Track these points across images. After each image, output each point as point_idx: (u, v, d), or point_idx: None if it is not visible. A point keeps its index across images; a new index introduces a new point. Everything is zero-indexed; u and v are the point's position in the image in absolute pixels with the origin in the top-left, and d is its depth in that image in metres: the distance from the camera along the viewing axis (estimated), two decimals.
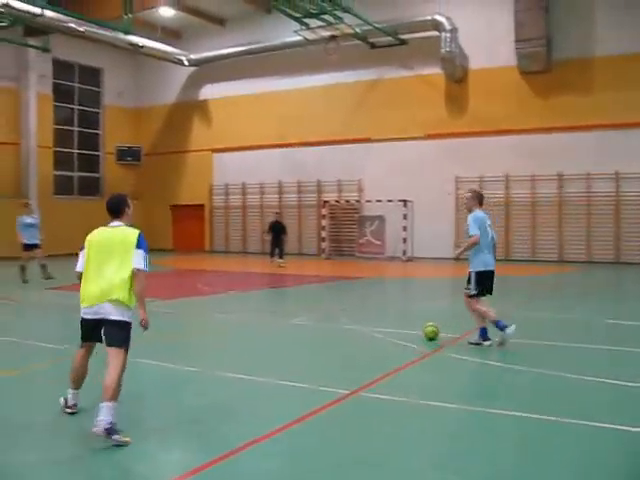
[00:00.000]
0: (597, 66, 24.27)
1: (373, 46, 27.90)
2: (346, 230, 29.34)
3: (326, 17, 23.91)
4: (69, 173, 33.46)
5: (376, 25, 25.78)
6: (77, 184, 33.79)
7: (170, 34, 32.72)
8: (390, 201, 26.88)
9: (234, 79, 32.31)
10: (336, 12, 23.63)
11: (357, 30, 25.70)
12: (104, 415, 5.50)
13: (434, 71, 27.03)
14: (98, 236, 6.20)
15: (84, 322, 6.09)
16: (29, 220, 18.83)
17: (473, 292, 9.59)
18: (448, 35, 25.66)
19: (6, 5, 22.77)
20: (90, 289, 6.01)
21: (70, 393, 6.31)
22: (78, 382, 6.31)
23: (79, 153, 33.95)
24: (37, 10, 23.79)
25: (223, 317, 12.88)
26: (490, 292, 9.80)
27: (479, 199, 9.85)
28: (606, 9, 24.14)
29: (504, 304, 14.78)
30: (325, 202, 29.24)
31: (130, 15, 25.62)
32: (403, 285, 20.44)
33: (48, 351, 9.41)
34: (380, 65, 28.29)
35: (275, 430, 5.80)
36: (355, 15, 24.33)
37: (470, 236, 9.49)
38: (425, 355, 8.91)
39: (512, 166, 25.69)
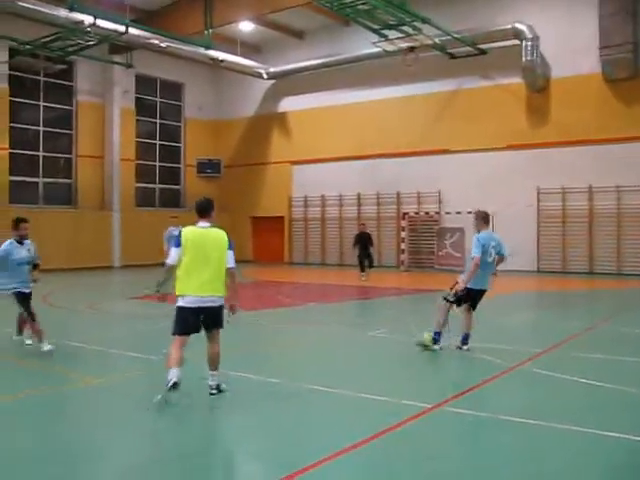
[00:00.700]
0: None
1: (452, 56, 27.65)
2: (425, 242, 29.06)
3: (404, 28, 23.81)
4: (151, 185, 34.19)
5: (455, 35, 25.56)
6: (159, 196, 34.50)
7: (249, 48, 33.12)
8: (470, 213, 26.37)
9: (313, 91, 32.50)
10: (415, 23, 23.52)
11: (436, 40, 25.51)
12: (214, 381, 7.28)
13: (515, 80, 26.59)
14: (195, 235, 7.31)
15: (186, 311, 7.08)
16: (177, 232, 18.32)
17: (450, 299, 9.80)
18: (529, 44, 25.17)
19: (93, 25, 23.49)
20: (194, 282, 7.08)
21: (174, 370, 6.87)
22: (180, 363, 6.99)
23: (160, 166, 34.67)
24: (122, 28, 24.49)
25: (303, 328, 12.90)
26: (473, 308, 10.06)
27: (484, 219, 9.96)
28: None
29: (592, 317, 14.41)
30: (404, 214, 29.05)
31: (210, 30, 26.08)
32: (483, 299, 20.05)
33: (134, 360, 9.58)
34: (459, 75, 28.00)
35: (357, 443, 5.73)
36: (434, 26, 24.20)
37: (472, 257, 9.65)
38: (508, 369, 8.71)
39: (596, 177, 25.01)
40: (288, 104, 33.85)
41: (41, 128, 29.53)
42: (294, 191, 33.60)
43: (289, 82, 33.14)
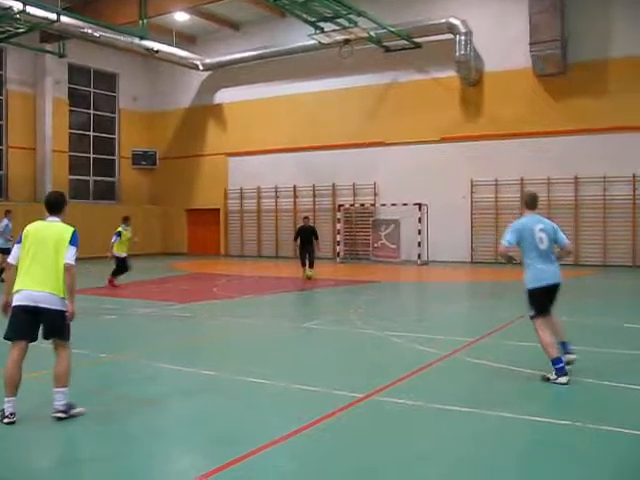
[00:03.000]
0: (613, 68, 24.05)
1: (387, 50, 27.82)
2: (361, 234, 29.25)
3: (340, 21, 23.90)
4: (85, 177, 33.59)
5: (390, 28, 25.73)
6: (93, 188, 33.92)
7: (185, 39, 32.80)
8: (405, 205, 26.82)
9: (248, 83, 32.35)
10: (350, 16, 23.62)
11: (371, 34, 25.68)
12: (60, 400, 6.06)
13: (449, 74, 26.95)
14: (35, 229, 6.42)
15: (19, 309, 6.15)
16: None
17: (531, 313, 8.02)
18: (463, 38, 25.54)
19: (23, 12, 22.86)
20: (27, 278, 6.18)
21: (7, 401, 6.01)
22: (14, 388, 6.08)
23: (95, 157, 34.09)
24: (53, 16, 23.85)
25: (238, 321, 12.85)
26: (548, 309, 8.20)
27: (526, 201, 8.40)
28: (622, 10, 23.95)
29: (523, 306, 14.70)
30: (340, 206, 29.20)
31: (145, 20, 25.70)
32: (418, 289, 20.35)
33: None
34: (395, 69, 28.23)
35: (289, 434, 5.78)
36: (369, 18, 24.33)
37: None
38: (441, 358, 8.84)
39: (528, 169, 25.54)
40: (224, 96, 33.64)
41: None
42: (230, 183, 33.44)
43: (225, 74, 32.91)
